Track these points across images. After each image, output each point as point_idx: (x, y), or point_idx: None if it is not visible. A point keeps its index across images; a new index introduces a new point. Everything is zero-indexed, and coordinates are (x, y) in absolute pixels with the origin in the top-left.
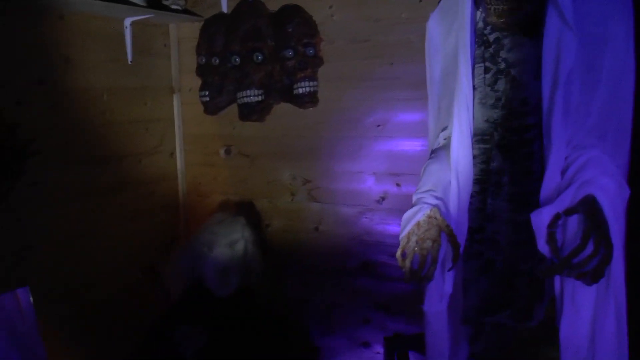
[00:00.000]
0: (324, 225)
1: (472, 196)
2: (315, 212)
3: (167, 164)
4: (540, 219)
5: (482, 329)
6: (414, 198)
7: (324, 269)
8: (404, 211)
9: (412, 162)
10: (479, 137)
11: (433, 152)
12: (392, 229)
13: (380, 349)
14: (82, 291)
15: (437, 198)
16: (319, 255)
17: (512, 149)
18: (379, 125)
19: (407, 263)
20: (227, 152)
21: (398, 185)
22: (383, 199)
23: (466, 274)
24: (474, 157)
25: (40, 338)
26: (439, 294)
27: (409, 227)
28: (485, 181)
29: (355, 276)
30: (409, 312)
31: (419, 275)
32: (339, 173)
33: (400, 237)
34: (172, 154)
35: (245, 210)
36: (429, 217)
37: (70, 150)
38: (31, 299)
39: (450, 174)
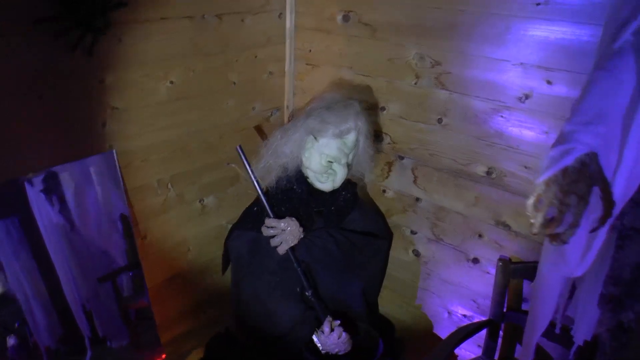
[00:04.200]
0: (449, 118)
1: None
2: (441, 101)
3: (275, 26)
4: None
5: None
6: (566, 129)
7: (440, 167)
8: (549, 115)
9: (572, 56)
10: None
11: (605, 56)
12: (530, 134)
13: (491, 269)
14: (175, 158)
15: (598, 135)
16: (438, 150)
17: None
18: (538, 4)
19: (540, 218)
20: (345, 18)
21: (549, 82)
22: (527, 96)
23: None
24: None
25: (125, 198)
26: (575, 260)
27: (552, 170)
28: None
29: (477, 182)
30: (532, 236)
31: (550, 234)
32: (476, 58)
33: (538, 180)
34: (281, 15)
35: (360, 93)
36: (582, 164)
37: (161, 4)
38: (117, 161)
39: (626, 93)
